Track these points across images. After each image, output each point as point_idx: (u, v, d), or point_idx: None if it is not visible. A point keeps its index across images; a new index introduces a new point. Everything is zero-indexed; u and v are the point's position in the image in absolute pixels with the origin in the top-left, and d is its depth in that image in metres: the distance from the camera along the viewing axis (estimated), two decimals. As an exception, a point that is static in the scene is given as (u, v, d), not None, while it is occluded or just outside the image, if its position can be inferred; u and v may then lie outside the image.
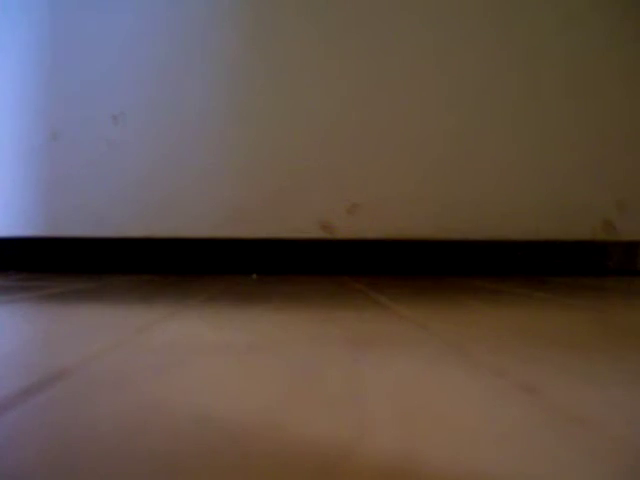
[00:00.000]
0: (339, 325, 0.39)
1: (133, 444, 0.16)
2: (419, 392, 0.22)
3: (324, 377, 0.24)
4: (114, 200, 1.01)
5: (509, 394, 0.21)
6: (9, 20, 1.04)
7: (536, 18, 1.07)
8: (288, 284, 0.79)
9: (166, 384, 0.23)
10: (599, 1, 1.07)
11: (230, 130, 1.04)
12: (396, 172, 1.05)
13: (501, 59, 1.06)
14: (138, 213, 1.02)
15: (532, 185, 1.06)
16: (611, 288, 0.80)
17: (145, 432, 0.17)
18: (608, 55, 1.07)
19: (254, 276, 0.92)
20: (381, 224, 1.05)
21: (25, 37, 1.04)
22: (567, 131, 1.07)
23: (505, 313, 0.47)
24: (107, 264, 1.03)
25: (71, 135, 1.04)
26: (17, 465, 0.14)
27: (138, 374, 0.24)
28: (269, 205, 1.04)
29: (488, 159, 1.06)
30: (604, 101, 1.07)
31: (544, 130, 1.07)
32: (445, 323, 0.41)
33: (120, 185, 1.02)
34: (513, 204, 1.06)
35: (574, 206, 1.07)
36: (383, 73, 1.05)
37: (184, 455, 0.15)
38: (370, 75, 1.05)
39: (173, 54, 1.04)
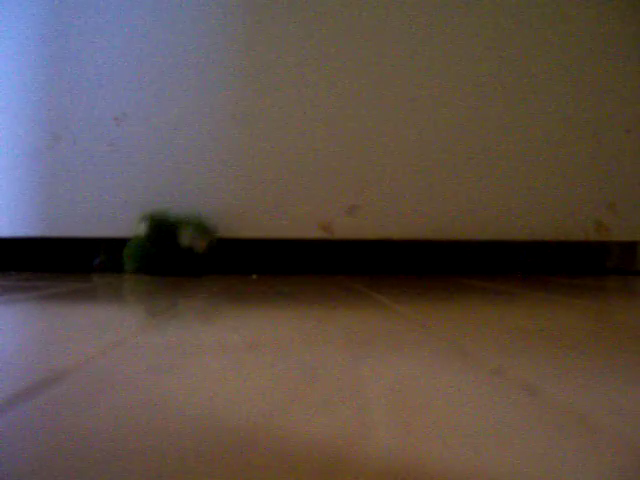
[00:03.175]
0: (339, 325, 0.39)
1: (133, 444, 0.16)
2: (419, 391, 0.22)
3: (324, 377, 0.24)
4: (115, 201, 1.01)
5: (509, 393, 0.21)
6: (9, 21, 1.04)
7: (529, 13, 1.07)
8: (288, 284, 0.79)
9: (166, 384, 0.23)
10: None
11: (231, 131, 1.04)
12: (395, 173, 1.05)
13: (494, 59, 1.06)
14: (139, 214, 1.02)
15: (527, 187, 1.06)
16: (611, 288, 0.80)
17: (146, 432, 0.17)
18: (603, 58, 1.07)
19: (254, 276, 0.92)
20: (380, 225, 1.05)
21: (26, 40, 1.04)
22: (560, 134, 1.07)
23: (505, 313, 0.47)
24: (108, 264, 1.03)
25: (73, 137, 1.04)
26: (17, 465, 0.14)
27: (138, 374, 0.25)
28: (268, 206, 1.04)
29: (484, 162, 1.06)
30: (597, 104, 1.07)
31: (538, 133, 1.07)
32: (445, 322, 0.41)
33: (121, 186, 1.02)
34: (509, 205, 1.06)
35: (567, 208, 1.07)
36: (383, 74, 1.05)
37: (184, 455, 0.15)
38: (370, 76, 1.05)
39: (174, 54, 1.05)
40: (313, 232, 1.04)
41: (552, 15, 1.07)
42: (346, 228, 1.04)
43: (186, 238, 0.91)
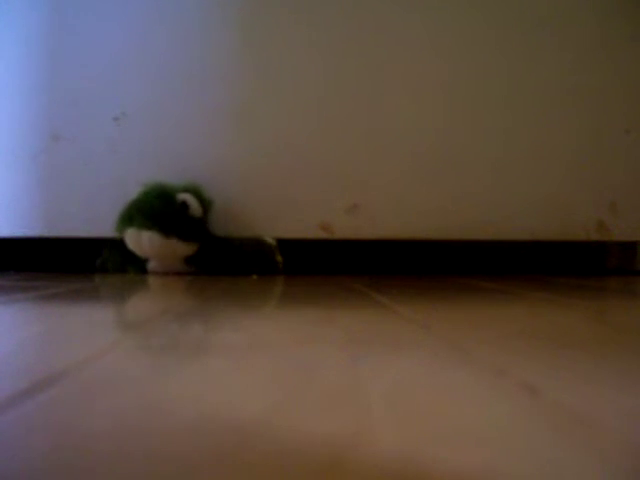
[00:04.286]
0: (339, 325, 0.39)
1: (133, 444, 0.16)
2: (420, 392, 0.22)
3: (324, 377, 0.24)
4: (115, 201, 1.00)
5: (510, 394, 0.21)
6: (9, 21, 1.04)
7: (529, 14, 1.07)
8: (287, 284, 0.79)
9: (166, 384, 0.23)
10: None
11: (231, 130, 1.04)
12: (396, 173, 1.05)
13: (494, 59, 1.06)
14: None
15: (527, 187, 1.06)
16: (611, 288, 0.80)
17: (145, 432, 0.17)
18: (602, 58, 1.07)
19: (254, 276, 0.92)
20: (381, 224, 1.05)
21: (25, 40, 1.04)
22: (561, 134, 1.07)
23: (505, 313, 0.47)
24: (109, 264, 1.02)
25: (72, 137, 1.04)
26: (16, 465, 0.14)
27: (138, 374, 0.24)
28: (268, 205, 1.04)
29: (485, 162, 1.06)
30: (597, 104, 1.07)
31: (539, 133, 1.07)
32: (445, 323, 0.41)
33: (121, 186, 1.02)
34: (509, 206, 1.06)
35: (568, 207, 1.07)
36: (384, 74, 1.05)
37: (184, 455, 0.15)
38: (371, 76, 1.05)
39: (173, 54, 1.04)
40: (313, 232, 1.04)
41: (552, 15, 1.07)
42: (346, 228, 1.04)
43: (182, 198, 0.91)
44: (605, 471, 0.14)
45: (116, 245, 0.96)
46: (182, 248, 0.92)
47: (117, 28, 1.04)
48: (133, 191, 0.94)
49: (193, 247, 0.93)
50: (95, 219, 1.02)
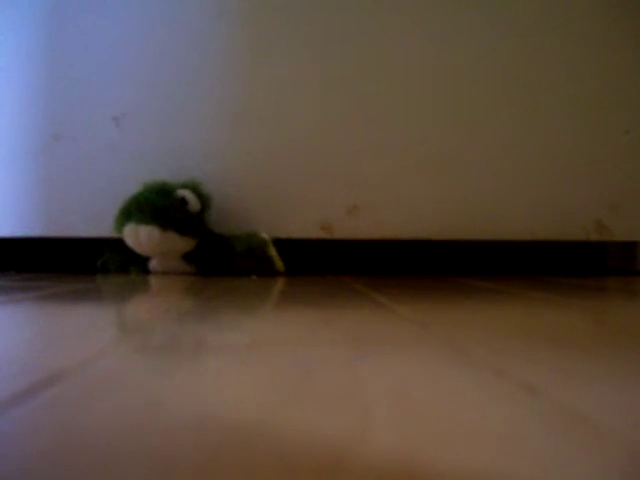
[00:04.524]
0: (339, 325, 0.39)
1: (133, 444, 0.16)
2: (420, 392, 0.22)
3: (324, 377, 0.24)
4: (116, 200, 1.00)
5: (509, 394, 0.21)
6: (10, 21, 1.04)
7: (529, 15, 1.07)
8: (287, 284, 0.79)
9: (166, 384, 0.23)
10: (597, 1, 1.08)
11: (231, 131, 1.04)
12: (395, 173, 1.05)
13: (494, 60, 1.06)
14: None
15: (527, 187, 1.06)
16: (611, 288, 0.80)
17: (146, 432, 0.17)
18: (602, 57, 1.07)
19: (253, 276, 0.92)
20: (381, 225, 1.05)
21: (26, 40, 1.04)
22: (560, 134, 1.07)
23: (505, 313, 0.47)
24: (110, 264, 1.03)
25: (73, 137, 1.04)
26: (17, 464, 0.14)
27: (138, 374, 0.24)
28: (267, 206, 1.04)
29: (485, 162, 1.06)
30: (596, 104, 1.07)
31: (539, 133, 1.07)
32: (445, 323, 0.41)
33: (121, 185, 1.02)
34: (509, 206, 1.06)
35: (568, 208, 1.07)
36: (384, 74, 1.05)
37: (185, 455, 0.15)
38: (371, 76, 1.05)
39: (173, 54, 1.04)
40: (313, 232, 1.04)
41: (551, 15, 1.07)
42: (346, 228, 1.04)
43: (181, 194, 0.91)
44: (605, 471, 0.14)
45: (117, 245, 0.96)
46: (180, 243, 0.92)
47: (117, 27, 1.04)
48: (133, 190, 0.94)
49: (191, 243, 0.93)
50: (96, 219, 1.02)
